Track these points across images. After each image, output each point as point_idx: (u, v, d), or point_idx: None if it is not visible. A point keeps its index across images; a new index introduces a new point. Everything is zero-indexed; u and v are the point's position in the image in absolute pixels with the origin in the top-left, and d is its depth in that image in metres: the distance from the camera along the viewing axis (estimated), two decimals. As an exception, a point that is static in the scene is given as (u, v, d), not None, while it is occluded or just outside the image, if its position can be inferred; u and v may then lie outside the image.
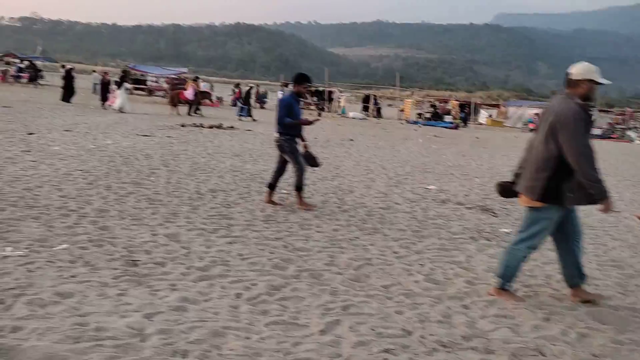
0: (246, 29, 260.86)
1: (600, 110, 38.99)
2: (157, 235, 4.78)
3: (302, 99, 6.23)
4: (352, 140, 16.21)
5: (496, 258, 4.86)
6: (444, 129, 28.86)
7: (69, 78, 21.39)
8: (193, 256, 4.30)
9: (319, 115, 30.54)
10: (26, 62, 36.71)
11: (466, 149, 17.01)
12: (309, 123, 6.25)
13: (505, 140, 23.83)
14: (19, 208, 5.27)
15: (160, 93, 30.90)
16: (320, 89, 39.93)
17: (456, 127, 30.16)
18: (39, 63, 36.90)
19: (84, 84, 35.79)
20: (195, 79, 23.73)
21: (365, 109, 36.08)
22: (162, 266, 4.03)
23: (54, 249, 4.20)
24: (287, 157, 6.23)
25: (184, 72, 30.99)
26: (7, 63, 34.93)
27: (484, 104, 41.15)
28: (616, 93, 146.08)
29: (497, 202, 7.67)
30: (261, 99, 34.88)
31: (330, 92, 37.89)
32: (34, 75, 32.15)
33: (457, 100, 37.20)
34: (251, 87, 25.45)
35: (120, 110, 19.17)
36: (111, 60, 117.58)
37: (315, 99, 37.95)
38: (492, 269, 4.51)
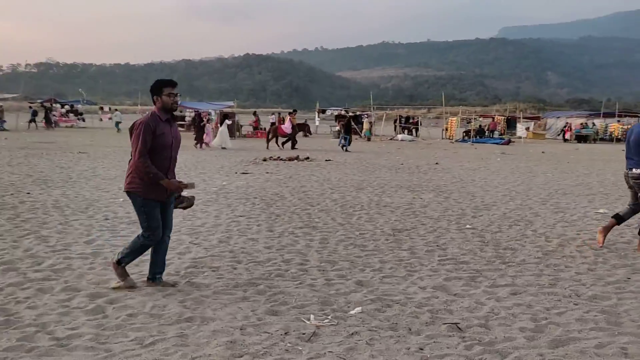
0: (255, 59, 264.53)
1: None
2: (426, 289, 4.28)
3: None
4: (437, 164, 15.72)
5: None
6: (497, 145, 28.35)
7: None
8: (502, 313, 3.78)
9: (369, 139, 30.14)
10: (67, 107, 37.26)
11: (556, 165, 16.32)
12: None
13: (568, 152, 23.14)
14: (241, 263, 4.83)
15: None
16: (358, 113, 39.80)
17: (508, 142, 29.57)
18: (79, 107, 37.37)
19: (107, 123, 35.87)
20: (293, 112, 23.46)
21: (401, 129, 35.62)
22: (488, 329, 3.50)
23: (352, 312, 3.71)
24: None
25: (231, 106, 30.96)
26: (49, 109, 35.18)
27: (525, 117, 40.45)
28: (630, 98, 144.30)
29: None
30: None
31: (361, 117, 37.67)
32: (48, 119, 32.40)
33: (502, 116, 36.70)
34: (350, 118, 24.59)
35: (222, 147, 19.30)
36: (127, 99, 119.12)
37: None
38: None
